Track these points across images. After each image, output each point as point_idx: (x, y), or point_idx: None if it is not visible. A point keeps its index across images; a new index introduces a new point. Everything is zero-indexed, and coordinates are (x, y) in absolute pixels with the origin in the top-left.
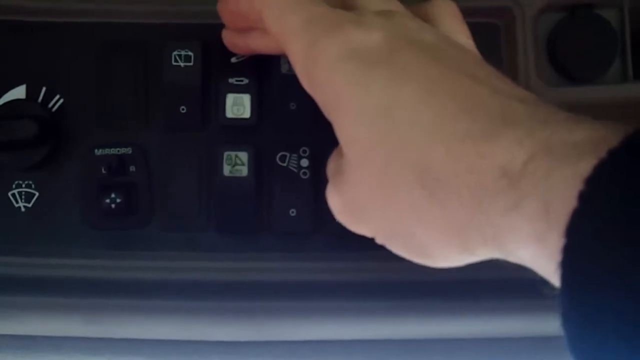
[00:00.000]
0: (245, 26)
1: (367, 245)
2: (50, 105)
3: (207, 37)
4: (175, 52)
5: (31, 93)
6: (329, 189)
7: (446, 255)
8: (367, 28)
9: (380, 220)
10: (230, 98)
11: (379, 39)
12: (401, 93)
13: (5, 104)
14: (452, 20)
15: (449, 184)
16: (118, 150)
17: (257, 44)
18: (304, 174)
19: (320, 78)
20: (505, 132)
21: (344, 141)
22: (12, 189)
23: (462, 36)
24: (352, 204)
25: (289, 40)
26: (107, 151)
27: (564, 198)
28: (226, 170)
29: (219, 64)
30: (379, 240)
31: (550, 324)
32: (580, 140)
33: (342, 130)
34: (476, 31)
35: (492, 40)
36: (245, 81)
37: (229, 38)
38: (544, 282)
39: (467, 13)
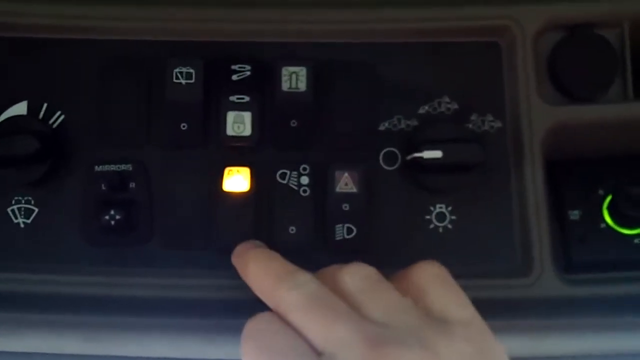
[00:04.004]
0: None
1: (368, 263)
2: (51, 121)
3: (209, 55)
4: (177, 70)
5: (32, 109)
6: None
7: None
8: None
9: None
10: (231, 116)
11: None
12: None
13: (6, 119)
14: (441, 289)
15: None
16: (118, 167)
17: None
18: (304, 191)
19: None
20: None
21: None
22: (12, 205)
23: (457, 308)
24: None
25: None
26: (107, 167)
27: None
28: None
29: (220, 82)
30: None
31: None
32: None
33: None
34: (477, 50)
35: (494, 59)
36: (246, 99)
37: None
38: None
39: (468, 32)
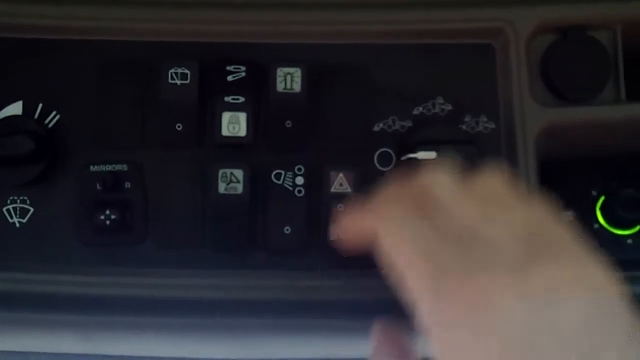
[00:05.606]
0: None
1: (362, 264)
2: (47, 121)
3: (204, 56)
4: (172, 70)
5: (28, 109)
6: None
7: None
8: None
9: None
10: (226, 116)
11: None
12: None
13: (1, 119)
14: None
15: None
16: (113, 167)
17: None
18: (299, 191)
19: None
20: None
21: None
22: (7, 205)
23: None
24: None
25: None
26: (102, 167)
27: None
28: (221, 187)
29: (215, 82)
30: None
31: None
32: None
33: None
34: (471, 52)
35: (487, 61)
36: (241, 99)
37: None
38: None
39: (462, 34)
